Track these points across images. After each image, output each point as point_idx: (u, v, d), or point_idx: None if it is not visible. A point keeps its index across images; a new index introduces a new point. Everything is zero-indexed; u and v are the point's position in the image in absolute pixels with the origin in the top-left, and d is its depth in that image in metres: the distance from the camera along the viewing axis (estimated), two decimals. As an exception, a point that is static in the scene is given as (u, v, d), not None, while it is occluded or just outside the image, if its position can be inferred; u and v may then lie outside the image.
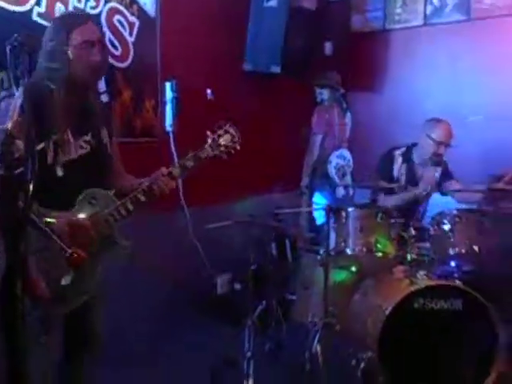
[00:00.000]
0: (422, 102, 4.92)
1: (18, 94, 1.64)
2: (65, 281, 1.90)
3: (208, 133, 2.35)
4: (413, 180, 3.96)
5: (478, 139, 4.57)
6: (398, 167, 3.97)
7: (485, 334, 3.04)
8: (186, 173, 2.29)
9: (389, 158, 4.02)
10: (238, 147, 2.35)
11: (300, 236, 4.54)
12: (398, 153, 4.01)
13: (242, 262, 4.46)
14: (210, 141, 2.33)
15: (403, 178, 3.97)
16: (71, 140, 2.08)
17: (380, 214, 3.42)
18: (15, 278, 1.47)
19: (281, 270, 4.25)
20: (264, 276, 4.02)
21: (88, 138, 2.16)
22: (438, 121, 3.89)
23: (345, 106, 5.13)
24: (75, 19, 2.15)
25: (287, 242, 4.43)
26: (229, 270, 4.54)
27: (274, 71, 4.71)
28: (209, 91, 4.35)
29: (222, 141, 2.33)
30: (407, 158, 3.98)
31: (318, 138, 4.92)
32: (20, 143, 1.58)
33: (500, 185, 3.46)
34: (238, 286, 4.47)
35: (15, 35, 1.72)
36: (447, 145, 3.83)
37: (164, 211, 3.64)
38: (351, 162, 4.98)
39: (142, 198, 2.16)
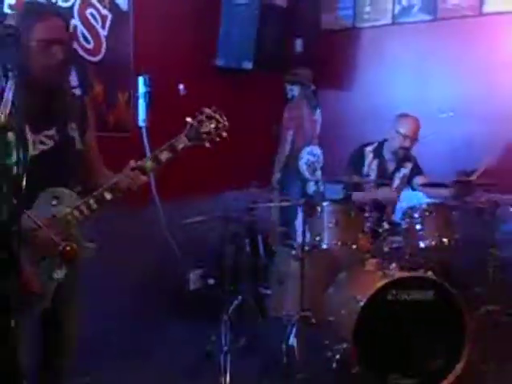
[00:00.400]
0: (391, 99, 5.02)
1: (9, 86, 1.63)
2: (57, 275, 1.87)
3: (188, 119, 2.17)
4: (383, 175, 4.07)
5: (447, 136, 4.70)
6: (369, 163, 4.08)
7: (454, 323, 3.17)
8: (161, 165, 2.13)
9: (360, 154, 4.13)
10: (225, 134, 2.18)
11: (273, 231, 4.61)
12: (368, 149, 4.12)
13: (215, 257, 4.55)
14: (188, 128, 2.16)
15: (373, 174, 4.08)
16: (29, 136, 1.95)
17: (354, 209, 3.52)
18: (10, 273, 1.47)
19: (255, 265, 4.30)
20: (238, 271, 4.10)
21: (51, 132, 2.03)
22: (405, 115, 4.03)
23: (315, 102, 5.19)
24: (39, 13, 2.02)
25: (259, 237, 4.48)
26: (202, 265, 4.55)
27: (245, 67, 4.74)
28: (181, 86, 4.33)
29: (204, 127, 2.15)
30: (378, 153, 4.10)
31: (289, 134, 4.99)
32: (12, 135, 1.58)
33: (472, 178, 3.61)
34: (211, 281, 4.48)
35: (2, 25, 1.70)
36: (414, 139, 3.96)
37: (136, 205, 3.60)
38: (321, 159, 4.93)
39: (108, 196, 2.02)
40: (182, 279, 4.44)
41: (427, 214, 3.54)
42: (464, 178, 3.69)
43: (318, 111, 5.23)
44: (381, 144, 4.13)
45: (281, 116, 5.02)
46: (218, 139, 2.17)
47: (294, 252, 3.65)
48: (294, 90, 5.08)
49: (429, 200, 3.87)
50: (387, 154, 4.07)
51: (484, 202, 3.71)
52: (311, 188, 4.93)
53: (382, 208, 3.85)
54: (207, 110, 2.19)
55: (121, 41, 3.99)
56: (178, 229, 4.08)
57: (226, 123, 2.19)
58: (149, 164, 2.11)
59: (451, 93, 4.87)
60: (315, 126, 5.21)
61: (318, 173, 4.93)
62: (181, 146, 2.15)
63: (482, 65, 4.78)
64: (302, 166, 4.90)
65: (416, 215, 3.58)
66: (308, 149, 4.95)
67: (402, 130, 3.94)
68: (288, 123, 4.98)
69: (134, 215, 3.80)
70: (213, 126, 2.16)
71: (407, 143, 3.95)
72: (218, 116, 2.19)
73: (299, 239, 3.68)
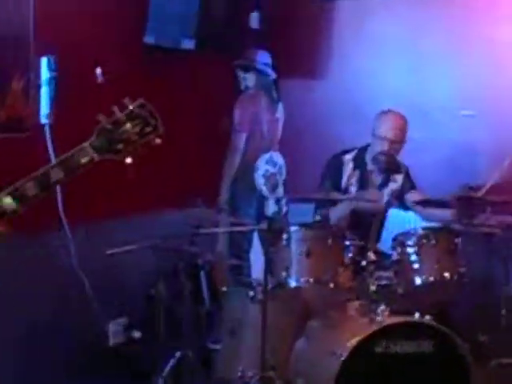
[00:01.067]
0: (377, 92, 5.15)
1: None
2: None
3: (100, 117, 1.98)
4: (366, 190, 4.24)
5: (444, 141, 4.91)
6: (348, 175, 4.24)
7: (459, 381, 3.37)
8: (30, 202, 1.93)
9: (336, 164, 4.27)
10: (158, 141, 1.99)
11: (221, 265, 4.69)
12: (348, 157, 4.27)
13: (144, 300, 4.56)
14: (96, 132, 1.97)
15: (353, 189, 4.24)
16: None
17: (331, 235, 3.65)
18: None
19: (198, 311, 4.36)
20: (175, 319, 4.13)
21: None
22: (384, 112, 4.20)
23: (276, 95, 5.28)
24: None
25: (203, 273, 4.55)
26: (127, 312, 4.58)
27: (185, 47, 4.77)
28: (98, 71, 4.34)
29: (122, 132, 1.96)
30: (360, 163, 4.25)
31: (241, 138, 5.07)
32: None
33: (479, 194, 3.82)
34: (138, 334, 4.52)
35: None
36: (397, 142, 4.14)
37: (35, 232, 3.67)
38: (284, 169, 5.02)
39: None
40: (98, 332, 4.44)
41: (424, 241, 3.72)
42: (469, 194, 3.86)
43: (281, 107, 5.31)
44: (363, 151, 4.28)
45: (231, 113, 5.10)
46: (144, 149, 1.98)
47: (251, 293, 3.72)
48: (249, 79, 5.15)
49: (426, 223, 4.06)
50: (371, 164, 4.24)
51: (495, 225, 3.87)
52: (271, 208, 5.02)
53: (366, 232, 4.00)
54: (130, 105, 1.99)
55: (17, 11, 3.94)
56: (94, 262, 4.12)
57: (160, 126, 1.99)
58: (9, 201, 1.90)
59: (453, 84, 5.05)
60: (276, 127, 5.30)
61: (280, 189, 5.06)
62: (82, 161, 1.95)
63: (491, 45, 4.97)
64: (259, 179, 4.92)
65: (410, 243, 3.75)
66: (266, 156, 4.91)
67: (381, 131, 4.13)
68: (240, 123, 5.06)
69: (32, 245, 3.82)
70: (137, 129, 1.96)
71: (386, 147, 4.11)
72: (145, 113, 1.98)
73: (257, 275, 3.85)
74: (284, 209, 5.05)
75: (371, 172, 4.26)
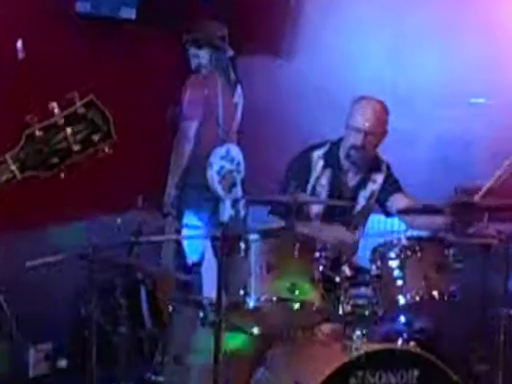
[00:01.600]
0: (353, 77, 5.18)
1: None
2: None
3: (29, 119, 1.78)
4: (341, 194, 4.24)
5: (433, 133, 4.99)
6: (318, 174, 4.23)
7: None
8: None
9: (304, 162, 4.26)
10: (110, 151, 1.85)
11: (166, 280, 4.66)
12: (318, 153, 4.26)
13: (71, 324, 4.50)
14: (22, 144, 1.78)
15: (324, 192, 4.23)
16: None
17: (298, 246, 3.60)
18: None
19: (136, 336, 4.34)
20: (109, 346, 4.13)
21: None
22: (358, 100, 4.22)
23: (234, 76, 5.27)
24: None
25: (143, 289, 4.55)
26: (50, 337, 4.53)
27: (125, 16, 4.77)
28: (19, 44, 4.27)
29: (59, 142, 1.77)
30: (331, 159, 4.25)
31: (192, 127, 5.03)
32: None
33: (475, 199, 3.79)
34: (62, 363, 4.48)
35: None
36: (374, 133, 4.15)
37: None
38: (243, 166, 5.12)
39: None
40: (16, 360, 4.37)
41: (409, 253, 3.70)
42: (463, 198, 3.85)
43: (239, 90, 5.30)
44: (335, 146, 4.27)
45: (179, 97, 5.06)
46: (88, 162, 1.83)
47: (201, 314, 3.71)
48: (202, 57, 5.12)
49: (412, 232, 4.08)
50: (345, 161, 4.24)
51: (493, 235, 3.81)
52: (226, 212, 5.01)
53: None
54: (76, 103, 1.79)
55: None
56: (10, 276, 4.06)
57: (113, 131, 1.84)
58: None
59: (444, 67, 5.12)
60: (234, 114, 5.29)
61: (238, 188, 5.05)
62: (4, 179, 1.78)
63: (487, 24, 5.04)
64: (213, 177, 4.99)
65: (392, 255, 3.73)
66: (222, 150, 5.05)
67: (354, 122, 4.14)
68: (190, 109, 5.03)
69: None
70: (80, 136, 1.78)
71: (360, 139, 4.12)
72: (94, 115, 1.81)
73: (210, 293, 3.74)
74: (242, 212, 5.12)
75: (346, 171, 4.26)
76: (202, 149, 5.02)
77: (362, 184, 4.28)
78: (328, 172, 4.23)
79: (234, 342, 3.71)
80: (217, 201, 4.88)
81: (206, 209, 5.02)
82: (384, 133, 4.21)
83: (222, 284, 3.49)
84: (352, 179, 4.28)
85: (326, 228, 4.18)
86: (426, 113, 5.17)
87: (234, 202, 4.96)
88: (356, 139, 4.13)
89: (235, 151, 5.11)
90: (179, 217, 5.00)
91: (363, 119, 4.12)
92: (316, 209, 4.24)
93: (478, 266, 3.89)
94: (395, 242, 3.78)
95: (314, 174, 4.23)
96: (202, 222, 5.02)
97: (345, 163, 4.24)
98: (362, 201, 4.25)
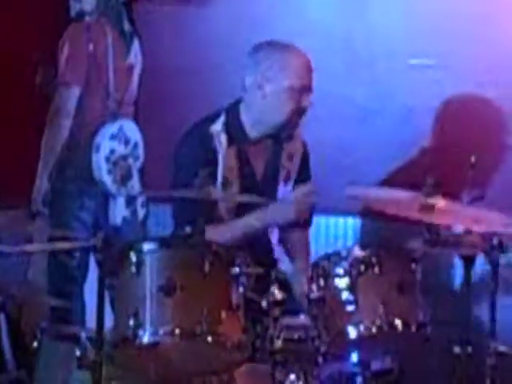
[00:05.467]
0: (296, 29, 5.29)
1: None
2: None
3: None
4: (251, 183, 4.31)
5: (396, 102, 5.15)
6: (224, 156, 4.25)
7: None
8: None
9: (204, 141, 4.28)
10: None
11: (34, 304, 4.60)
12: (215, 128, 4.30)
13: None
14: None
15: (235, 180, 4.28)
16: None
17: (209, 258, 3.50)
18: None
19: None
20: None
21: None
22: (283, 47, 4.36)
23: (129, 28, 5.24)
24: None
25: (2, 318, 4.46)
26: None
27: None
28: None
29: None
30: (235, 132, 4.34)
31: (70, 96, 5.01)
32: None
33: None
34: None
35: None
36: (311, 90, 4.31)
37: None
38: (141, 150, 5.10)
39: None
40: None
41: (363, 268, 3.64)
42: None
43: (137, 47, 5.27)
44: (231, 112, 4.37)
45: (54, 56, 4.99)
46: None
47: (78, 352, 3.61)
48: (85, 1, 5.06)
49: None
50: (253, 130, 4.36)
51: (476, 243, 3.85)
52: (119, 212, 4.96)
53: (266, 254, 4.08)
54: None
55: None
56: None
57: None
58: None
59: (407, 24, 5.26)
60: (129, 79, 5.25)
61: (135, 181, 5.00)
62: None
63: None
64: (100, 164, 4.97)
65: (340, 271, 3.67)
66: (112, 128, 5.04)
67: (289, 76, 4.28)
68: (69, 71, 4.98)
69: None
70: None
71: (306, 101, 4.31)
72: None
73: (91, 324, 3.70)
74: (141, 213, 5.06)
75: (253, 143, 4.40)
76: (85, 126, 5.01)
77: (276, 158, 4.43)
78: (234, 150, 4.30)
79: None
80: (106, 197, 4.92)
81: (91, 208, 4.99)
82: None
83: (103, 311, 3.42)
84: (260, 153, 4.41)
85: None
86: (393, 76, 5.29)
87: (130, 199, 4.97)
88: (303, 101, 4.28)
89: (131, 129, 5.09)
90: (54, 219, 4.96)
91: (302, 73, 4.30)
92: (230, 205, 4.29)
93: (456, 284, 3.85)
94: (344, 253, 3.72)
95: (220, 156, 4.25)
96: (85, 225, 4.98)
97: (252, 134, 4.34)
98: (280, 184, 4.39)
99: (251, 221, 4.20)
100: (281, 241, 4.52)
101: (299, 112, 4.31)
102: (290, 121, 4.32)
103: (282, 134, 4.38)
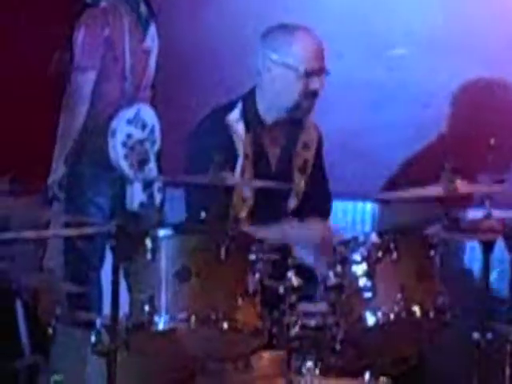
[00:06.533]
0: (311, 10, 5.30)
1: None
2: None
3: None
4: (267, 167, 4.32)
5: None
6: (243, 144, 4.26)
7: None
8: None
9: (220, 130, 4.26)
10: None
11: (50, 291, 4.54)
12: (233, 117, 4.29)
13: None
14: None
15: (249, 166, 4.26)
16: None
17: (226, 245, 3.49)
18: None
19: (13, 366, 4.29)
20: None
21: None
22: (292, 29, 4.33)
23: (145, 11, 5.22)
24: None
25: (19, 304, 4.46)
26: None
27: None
28: None
29: None
30: (251, 119, 4.31)
31: (86, 80, 5.01)
32: None
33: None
34: None
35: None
36: (321, 73, 4.28)
37: None
38: (158, 134, 5.09)
39: None
40: None
41: (381, 254, 3.61)
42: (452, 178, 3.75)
43: (153, 31, 5.26)
44: (249, 100, 4.35)
45: (69, 41, 4.99)
46: None
47: (93, 338, 3.57)
48: None
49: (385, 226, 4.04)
50: (269, 116, 4.33)
51: (495, 228, 3.79)
52: (137, 197, 4.95)
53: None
54: None
55: None
56: None
57: None
58: None
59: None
60: (145, 64, 5.23)
61: (152, 165, 4.99)
62: None
63: None
64: (117, 149, 4.98)
65: (357, 258, 3.65)
66: (129, 113, 5.03)
67: (298, 58, 4.24)
68: (85, 56, 4.98)
69: None
70: None
71: (315, 84, 4.26)
72: None
73: (108, 309, 3.61)
74: (158, 198, 5.04)
75: (269, 131, 4.39)
76: (102, 110, 5.01)
77: (291, 145, 4.42)
78: (249, 137, 4.29)
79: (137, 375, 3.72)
80: (122, 182, 4.90)
81: (108, 193, 5.00)
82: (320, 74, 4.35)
83: (118, 297, 3.42)
84: (276, 140, 4.40)
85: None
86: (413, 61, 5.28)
87: (147, 185, 4.95)
88: (311, 84, 4.25)
89: (147, 114, 5.08)
90: (70, 205, 4.96)
91: (313, 55, 4.27)
92: (246, 193, 4.27)
93: (475, 270, 3.81)
94: (361, 238, 3.71)
95: (239, 143, 4.27)
96: (102, 211, 4.99)
97: (267, 119, 4.34)
98: (296, 173, 4.37)
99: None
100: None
101: (309, 95, 4.28)
102: (300, 104, 4.29)
103: (295, 118, 4.36)
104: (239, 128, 4.26)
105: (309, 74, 4.23)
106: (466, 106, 5.22)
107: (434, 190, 3.71)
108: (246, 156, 4.22)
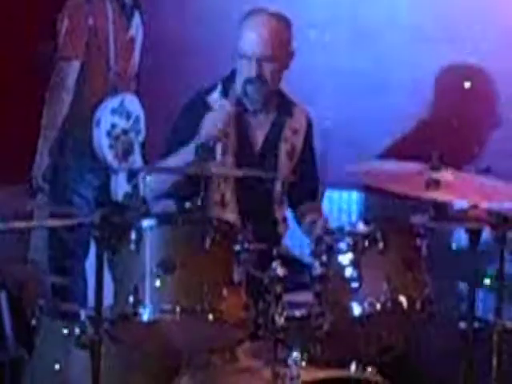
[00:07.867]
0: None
1: None
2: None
3: None
4: (250, 151, 4.35)
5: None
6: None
7: None
8: None
9: (202, 110, 4.27)
10: None
11: (34, 282, 4.58)
12: (213, 97, 4.34)
13: None
14: None
15: (232, 148, 4.28)
16: None
17: (211, 235, 3.48)
18: None
19: None
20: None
21: None
22: (246, 16, 4.37)
23: (130, 1, 5.17)
24: None
25: (3, 296, 4.45)
26: None
27: None
28: None
29: None
30: (231, 100, 4.31)
31: (70, 70, 4.99)
32: None
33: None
34: None
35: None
36: (270, 59, 4.27)
37: None
38: (143, 124, 5.09)
39: None
40: None
41: (367, 244, 3.60)
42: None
43: (138, 20, 5.24)
44: (229, 82, 4.40)
45: (52, 30, 4.96)
46: None
47: (77, 330, 3.61)
48: None
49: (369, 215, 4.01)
50: (248, 101, 4.34)
51: (482, 217, 3.75)
52: (120, 188, 4.93)
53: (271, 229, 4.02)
54: None
55: None
56: None
57: None
58: None
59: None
60: (130, 53, 5.22)
61: (137, 156, 4.98)
62: None
63: None
64: (101, 139, 4.97)
65: (343, 247, 3.63)
66: (114, 102, 5.01)
67: (243, 47, 4.27)
68: (68, 44, 4.95)
69: None
70: None
71: (253, 71, 4.25)
72: None
73: (92, 302, 3.60)
74: (142, 189, 4.99)
75: (251, 113, 4.39)
76: (86, 100, 4.99)
77: (277, 130, 4.41)
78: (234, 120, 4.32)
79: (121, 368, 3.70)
80: (107, 173, 4.91)
81: (92, 184, 5.00)
82: (289, 55, 4.35)
83: (102, 289, 3.40)
84: (261, 125, 4.41)
85: None
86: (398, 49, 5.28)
87: (131, 175, 4.90)
88: (249, 70, 4.26)
89: (132, 103, 5.07)
90: (54, 195, 4.95)
91: (259, 40, 4.27)
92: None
93: (462, 262, 3.82)
94: (347, 228, 3.70)
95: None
96: (87, 202, 4.99)
97: (246, 101, 4.35)
98: (283, 158, 4.38)
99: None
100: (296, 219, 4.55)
101: (265, 81, 4.28)
102: (246, 90, 4.30)
103: (248, 108, 4.36)
104: (222, 110, 4.24)
105: (259, 61, 4.25)
106: (451, 95, 5.22)
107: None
108: (226, 135, 4.20)
